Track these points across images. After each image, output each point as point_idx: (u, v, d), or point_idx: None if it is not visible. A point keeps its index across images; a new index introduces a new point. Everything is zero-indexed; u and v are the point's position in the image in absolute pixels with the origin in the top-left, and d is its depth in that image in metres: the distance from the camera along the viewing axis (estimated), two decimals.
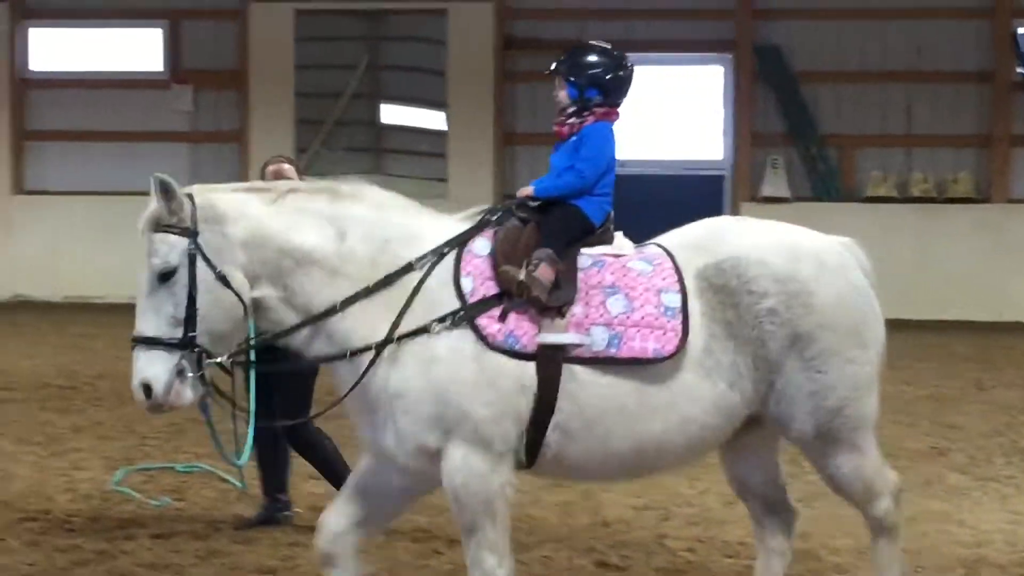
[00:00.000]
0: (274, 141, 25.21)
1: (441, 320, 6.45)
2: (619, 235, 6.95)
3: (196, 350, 6.38)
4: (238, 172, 25.12)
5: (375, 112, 27.26)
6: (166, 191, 6.39)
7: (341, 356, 6.53)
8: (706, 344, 6.64)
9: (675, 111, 25.93)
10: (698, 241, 6.93)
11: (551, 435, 6.56)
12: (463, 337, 6.46)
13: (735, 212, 25.01)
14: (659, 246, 6.94)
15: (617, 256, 6.80)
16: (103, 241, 24.53)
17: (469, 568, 6.65)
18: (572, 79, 6.95)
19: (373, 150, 27.10)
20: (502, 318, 6.48)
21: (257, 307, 6.53)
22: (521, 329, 6.48)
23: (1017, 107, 25.50)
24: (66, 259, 26.18)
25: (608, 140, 6.94)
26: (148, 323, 6.39)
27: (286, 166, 9.48)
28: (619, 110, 7.08)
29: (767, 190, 25.47)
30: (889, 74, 25.56)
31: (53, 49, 27.39)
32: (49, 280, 26.15)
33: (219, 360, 6.46)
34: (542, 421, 6.52)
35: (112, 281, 23.30)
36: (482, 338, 6.45)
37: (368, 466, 6.91)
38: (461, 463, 6.47)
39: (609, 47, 7.07)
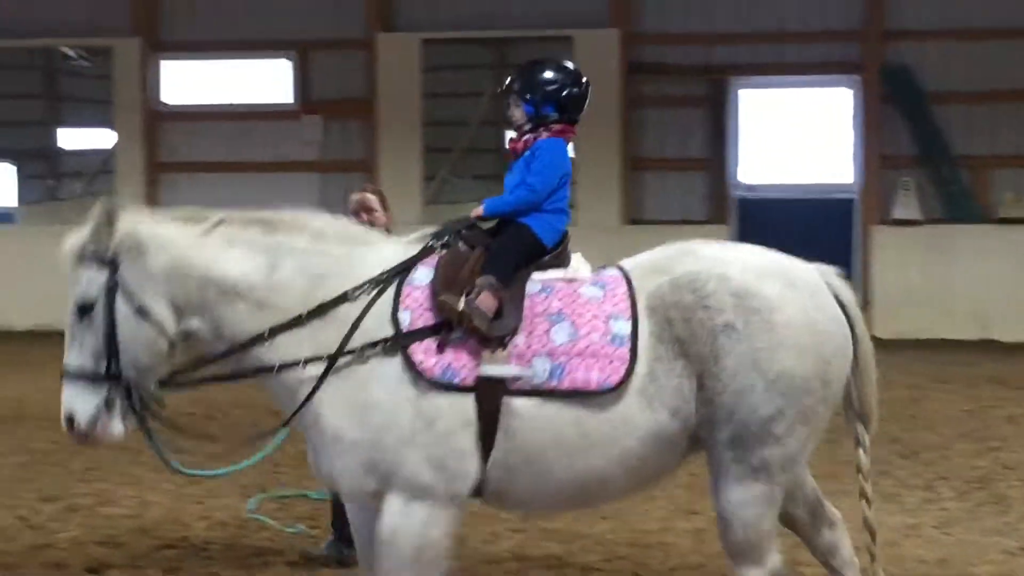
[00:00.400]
0: (402, 169, 25.47)
1: (372, 346, 6.24)
2: (577, 256, 6.71)
3: (123, 382, 6.31)
4: None
5: (502, 139, 27.32)
6: (109, 219, 6.33)
7: (269, 369, 6.36)
8: (650, 369, 6.30)
9: (804, 134, 25.64)
10: (659, 262, 6.63)
11: (491, 471, 6.33)
12: (400, 380, 6.22)
13: (865, 235, 24.79)
14: (618, 268, 6.67)
15: (570, 281, 6.54)
16: None
17: None
18: (528, 96, 6.81)
19: (501, 177, 26.99)
20: (439, 350, 6.23)
21: (190, 338, 6.43)
22: (460, 361, 6.23)
23: None
24: None
25: (562, 155, 6.77)
26: (73, 355, 6.34)
27: (370, 196, 9.37)
28: (575, 127, 6.89)
29: (898, 212, 25.13)
30: (1020, 93, 25.15)
31: (185, 82, 27.81)
32: None
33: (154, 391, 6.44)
34: (483, 456, 6.29)
35: None
36: (417, 372, 6.20)
37: (354, 520, 6.81)
38: (399, 512, 6.27)
39: (565, 63, 6.92)
